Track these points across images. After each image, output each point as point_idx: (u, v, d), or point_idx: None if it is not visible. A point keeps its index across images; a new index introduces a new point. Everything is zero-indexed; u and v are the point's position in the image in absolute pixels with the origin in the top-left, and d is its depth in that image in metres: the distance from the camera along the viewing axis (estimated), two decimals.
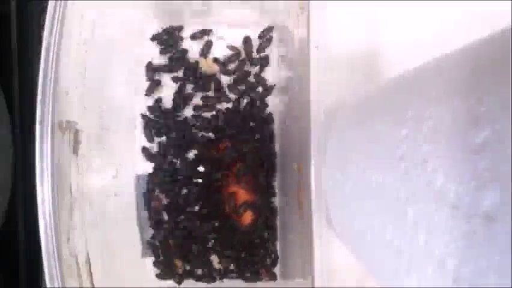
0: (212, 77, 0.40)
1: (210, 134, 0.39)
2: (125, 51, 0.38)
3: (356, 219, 0.25)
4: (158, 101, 0.39)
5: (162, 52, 0.40)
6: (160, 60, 0.40)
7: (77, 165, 0.31)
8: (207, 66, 0.40)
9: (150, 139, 0.39)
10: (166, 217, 0.39)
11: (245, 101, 0.40)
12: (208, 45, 0.40)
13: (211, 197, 0.39)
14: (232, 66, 0.40)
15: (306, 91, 0.29)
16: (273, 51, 0.40)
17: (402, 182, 0.18)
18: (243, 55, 0.40)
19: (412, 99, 0.19)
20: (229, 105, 0.39)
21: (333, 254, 0.29)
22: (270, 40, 0.40)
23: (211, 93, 0.40)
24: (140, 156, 0.39)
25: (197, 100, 0.40)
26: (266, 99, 0.40)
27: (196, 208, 0.39)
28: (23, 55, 0.37)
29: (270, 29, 0.39)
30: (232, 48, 0.40)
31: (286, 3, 0.36)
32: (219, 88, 0.40)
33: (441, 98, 0.17)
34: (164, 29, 0.39)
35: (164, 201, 0.39)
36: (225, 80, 0.40)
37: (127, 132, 0.39)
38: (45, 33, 0.28)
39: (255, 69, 0.40)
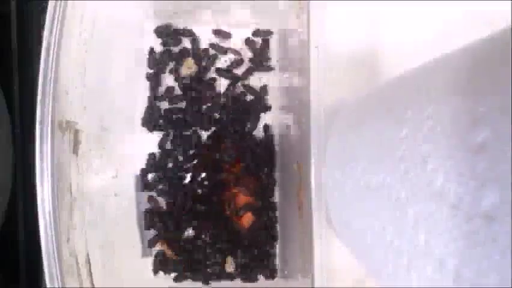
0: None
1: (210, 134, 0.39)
2: (125, 51, 0.38)
3: (356, 219, 0.25)
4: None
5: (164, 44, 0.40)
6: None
7: (77, 165, 0.31)
8: (187, 68, 0.39)
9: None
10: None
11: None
12: (213, 60, 0.39)
13: (211, 199, 0.38)
14: (234, 71, 0.40)
15: (306, 91, 0.29)
16: (273, 51, 0.40)
17: (402, 182, 0.18)
18: (245, 59, 0.40)
19: (412, 99, 0.19)
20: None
21: (333, 254, 0.29)
22: (268, 38, 0.40)
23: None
24: (140, 156, 0.39)
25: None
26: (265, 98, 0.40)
27: (197, 209, 0.39)
28: (23, 55, 0.37)
29: (268, 32, 0.39)
30: (234, 52, 0.40)
31: (285, 3, 0.36)
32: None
33: (441, 98, 0.17)
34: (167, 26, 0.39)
35: (163, 205, 0.39)
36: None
37: (127, 133, 0.39)
38: (45, 33, 0.28)
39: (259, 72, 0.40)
